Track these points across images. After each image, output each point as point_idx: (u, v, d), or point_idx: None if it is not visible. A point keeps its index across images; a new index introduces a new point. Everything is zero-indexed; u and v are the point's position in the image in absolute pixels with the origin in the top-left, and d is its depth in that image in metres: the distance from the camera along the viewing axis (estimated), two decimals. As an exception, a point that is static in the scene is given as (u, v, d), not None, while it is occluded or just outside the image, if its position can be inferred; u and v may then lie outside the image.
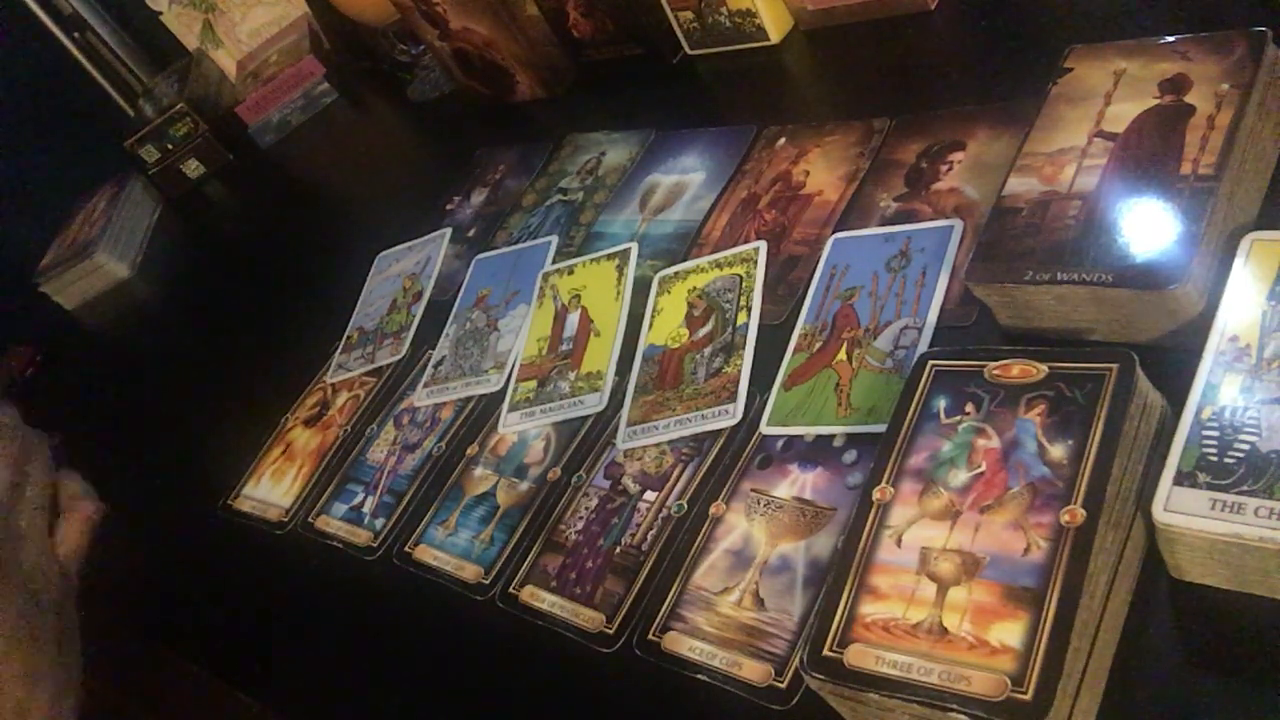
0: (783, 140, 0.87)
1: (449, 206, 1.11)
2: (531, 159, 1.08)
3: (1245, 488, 0.45)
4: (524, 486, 0.76)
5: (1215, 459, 0.46)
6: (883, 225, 0.74)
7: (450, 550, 0.76)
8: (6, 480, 0.57)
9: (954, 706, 0.45)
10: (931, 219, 0.72)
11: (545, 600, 0.68)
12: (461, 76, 1.22)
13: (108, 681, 0.88)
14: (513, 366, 0.86)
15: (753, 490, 0.65)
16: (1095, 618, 0.47)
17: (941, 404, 0.55)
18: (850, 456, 0.63)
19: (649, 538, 0.67)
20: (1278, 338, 0.49)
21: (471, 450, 0.82)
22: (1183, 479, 0.46)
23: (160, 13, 1.71)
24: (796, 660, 0.55)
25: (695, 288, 0.80)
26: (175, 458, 1.09)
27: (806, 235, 0.78)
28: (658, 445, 0.72)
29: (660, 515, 0.68)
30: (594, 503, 0.71)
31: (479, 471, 0.80)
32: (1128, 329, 0.57)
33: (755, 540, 0.62)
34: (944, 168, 0.75)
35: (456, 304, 0.96)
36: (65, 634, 0.55)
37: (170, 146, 1.59)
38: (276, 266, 1.31)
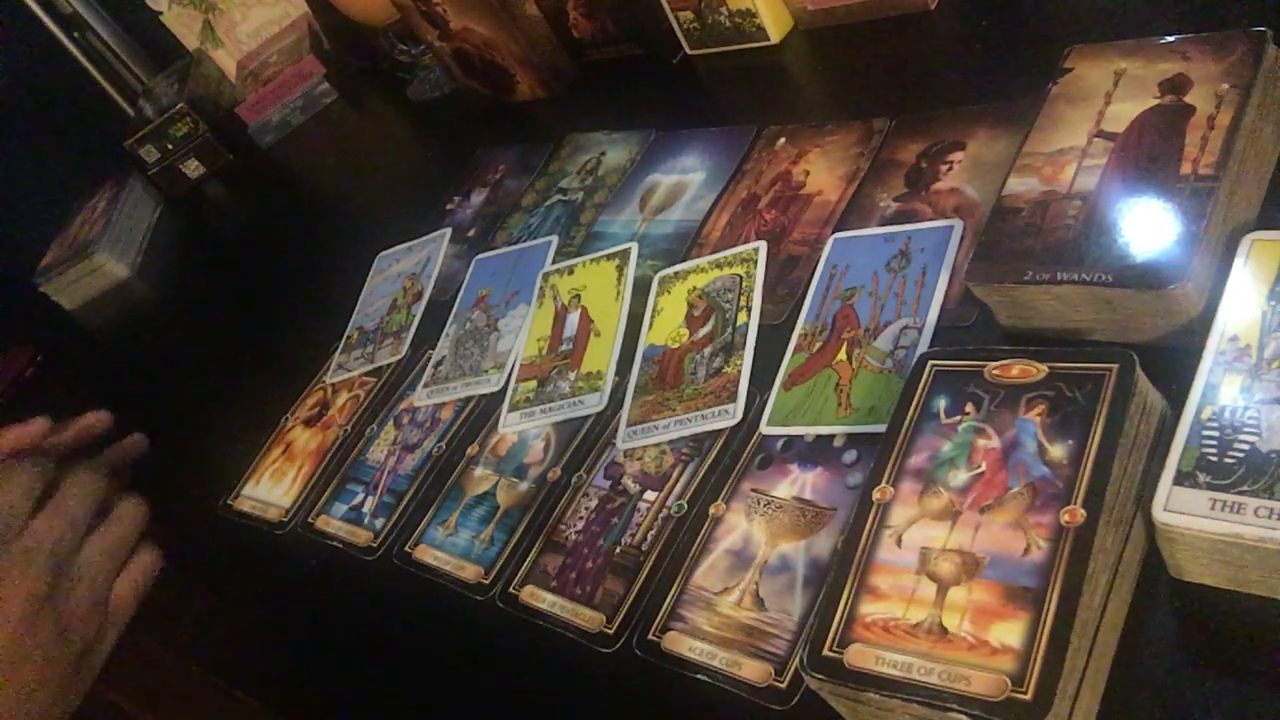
0: (783, 140, 0.87)
1: (449, 206, 1.11)
2: (531, 159, 1.08)
3: (1245, 488, 0.45)
4: (524, 486, 0.76)
5: (1215, 459, 0.46)
6: (883, 225, 0.74)
7: (450, 550, 0.76)
8: (81, 516, 0.59)
9: (954, 706, 0.45)
10: (931, 219, 0.72)
11: (545, 600, 0.68)
12: (461, 76, 1.22)
13: (108, 682, 0.88)
14: (513, 366, 0.86)
15: (753, 490, 0.65)
16: (1095, 618, 0.47)
17: (941, 404, 0.55)
18: (850, 456, 0.63)
19: (649, 538, 0.67)
20: (1278, 338, 0.49)
21: (471, 450, 0.82)
22: (1183, 479, 0.46)
23: (160, 13, 1.71)
24: (796, 660, 0.55)
25: (695, 288, 0.80)
26: (175, 458, 1.09)
27: (806, 235, 0.78)
28: (658, 445, 0.72)
29: (660, 515, 0.68)
30: (594, 503, 0.71)
31: (479, 471, 0.80)
32: (1128, 329, 0.57)
33: (755, 540, 0.62)
34: (944, 168, 0.75)
35: (456, 304, 0.96)
36: (84, 663, 0.57)
37: (170, 146, 1.59)
38: (276, 266, 1.31)
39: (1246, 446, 0.46)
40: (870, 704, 0.48)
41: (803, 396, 0.67)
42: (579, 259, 0.90)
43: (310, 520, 0.87)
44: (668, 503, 0.68)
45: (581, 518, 0.71)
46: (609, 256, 0.88)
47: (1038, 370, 0.53)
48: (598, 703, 0.63)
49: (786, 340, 0.71)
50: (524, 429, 0.80)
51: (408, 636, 0.75)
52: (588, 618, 0.65)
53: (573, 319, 0.85)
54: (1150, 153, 0.59)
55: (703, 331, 0.77)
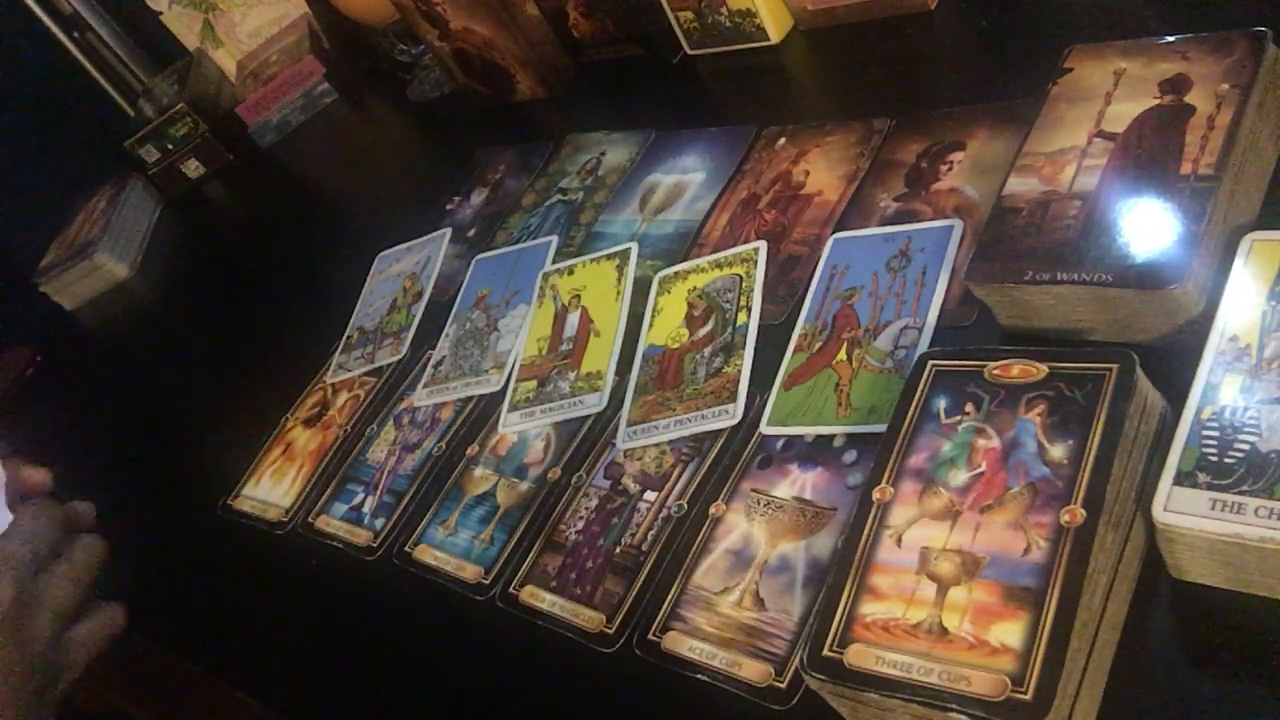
0: (783, 140, 0.87)
1: (449, 206, 1.11)
2: (531, 159, 1.08)
3: (1245, 488, 0.45)
4: (524, 486, 0.76)
5: (1215, 459, 0.46)
6: (883, 225, 0.74)
7: (450, 550, 0.76)
8: (46, 543, 0.60)
9: (954, 706, 0.45)
10: (931, 219, 0.72)
11: (545, 600, 0.68)
12: (461, 76, 1.22)
13: (108, 681, 0.88)
14: (513, 366, 0.86)
15: (753, 490, 0.65)
16: (1095, 618, 0.47)
17: (941, 404, 0.55)
18: (850, 456, 0.63)
19: (649, 538, 0.67)
20: (1278, 338, 0.49)
21: (471, 450, 0.82)
22: (1183, 479, 0.46)
23: (160, 13, 1.71)
24: (796, 660, 0.55)
25: (695, 288, 0.80)
26: (175, 458, 1.09)
27: (806, 235, 0.78)
28: (658, 445, 0.72)
29: (660, 515, 0.68)
30: (594, 503, 0.71)
31: (479, 471, 0.80)
32: (1128, 329, 0.57)
33: (755, 540, 0.62)
34: (944, 168, 0.75)
35: (456, 304, 0.96)
36: (44, 696, 0.58)
37: (170, 146, 1.59)
38: (277, 266, 1.31)
39: (1246, 446, 0.46)
40: (870, 704, 0.48)
41: (803, 396, 0.67)
42: (579, 259, 0.90)
43: (310, 520, 0.87)
44: (668, 503, 0.68)
45: (581, 518, 0.71)
46: (609, 256, 0.88)
47: (1038, 370, 0.53)
48: (598, 703, 0.63)
49: (786, 340, 0.71)
50: (524, 429, 0.80)
51: (408, 636, 0.75)
52: (588, 618, 0.65)
53: (573, 319, 0.85)
54: (1150, 153, 0.59)
55: (703, 331, 0.77)
